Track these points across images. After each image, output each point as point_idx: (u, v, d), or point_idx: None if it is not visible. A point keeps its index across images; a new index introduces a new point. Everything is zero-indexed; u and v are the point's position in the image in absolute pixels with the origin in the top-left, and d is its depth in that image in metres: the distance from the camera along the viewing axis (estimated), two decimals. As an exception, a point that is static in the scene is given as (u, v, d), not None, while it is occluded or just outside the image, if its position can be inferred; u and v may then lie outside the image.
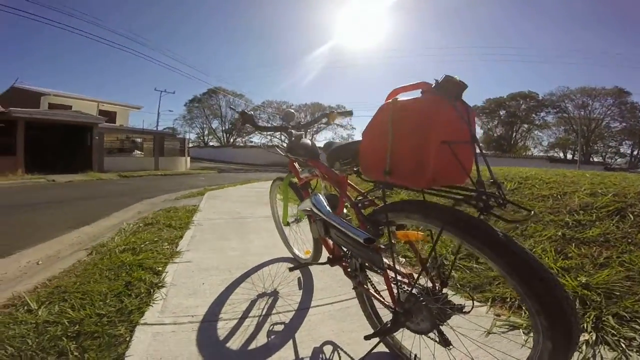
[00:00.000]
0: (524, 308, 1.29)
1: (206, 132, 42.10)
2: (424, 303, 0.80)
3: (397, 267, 0.93)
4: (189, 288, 1.64)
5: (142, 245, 2.35)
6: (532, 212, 0.64)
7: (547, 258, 1.71)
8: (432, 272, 0.86)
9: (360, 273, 1.05)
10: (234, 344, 1.15)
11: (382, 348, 1.05)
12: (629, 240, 1.64)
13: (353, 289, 1.14)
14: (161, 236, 2.69)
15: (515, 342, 1.14)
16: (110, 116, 16.59)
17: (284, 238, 2.15)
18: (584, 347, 1.09)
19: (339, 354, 1.09)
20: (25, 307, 1.40)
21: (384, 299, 0.95)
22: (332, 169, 1.15)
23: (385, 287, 0.92)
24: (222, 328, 1.25)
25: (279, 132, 1.63)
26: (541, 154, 32.25)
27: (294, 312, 1.38)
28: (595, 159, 29.95)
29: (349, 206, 1.13)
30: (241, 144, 35.91)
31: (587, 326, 1.17)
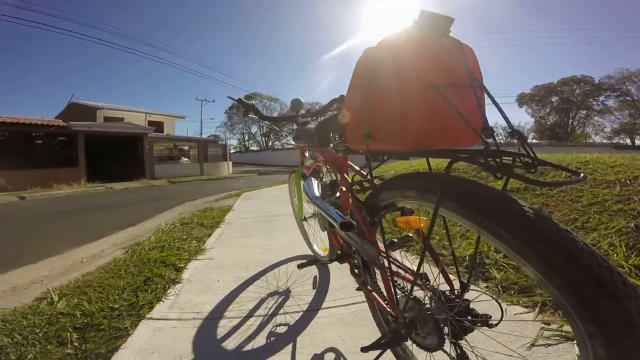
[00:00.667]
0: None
1: (246, 137, 43.93)
2: (428, 312, 0.62)
3: (406, 263, 0.77)
4: (203, 284, 1.61)
5: (171, 243, 2.41)
6: (581, 174, 0.45)
7: (615, 255, 1.40)
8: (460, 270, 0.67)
9: (363, 271, 0.89)
10: (230, 343, 1.07)
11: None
12: None
13: (357, 289, 0.98)
14: (191, 234, 2.76)
15: (566, 358, 0.90)
16: (158, 126, 17.81)
17: (304, 234, 2.04)
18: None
19: None
20: (49, 300, 1.47)
21: (387, 303, 0.78)
22: (328, 148, 1.01)
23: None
24: (224, 326, 1.18)
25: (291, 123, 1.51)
26: (604, 141, 28.60)
27: (301, 313, 1.26)
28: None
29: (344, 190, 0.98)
30: (279, 147, 36.79)
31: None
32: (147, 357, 1.01)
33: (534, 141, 30.44)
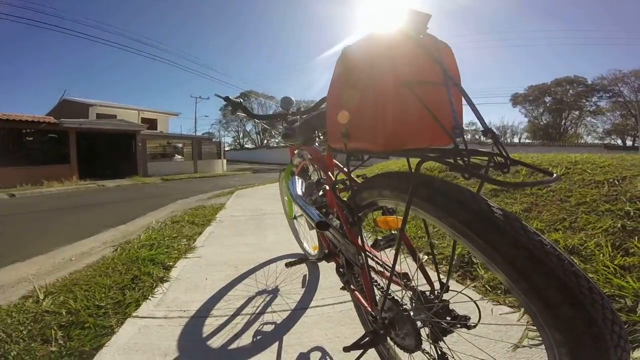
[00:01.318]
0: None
1: (241, 135, 43.72)
2: (405, 313, 0.61)
3: (390, 262, 0.76)
4: (191, 283, 1.60)
5: (161, 241, 2.39)
6: (554, 175, 0.44)
7: (602, 255, 1.41)
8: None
9: (347, 270, 0.89)
10: (216, 342, 1.06)
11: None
12: None
13: (341, 289, 0.98)
14: (182, 233, 2.73)
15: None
16: (151, 123, 17.58)
17: (294, 233, 2.04)
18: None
19: None
20: (35, 298, 1.44)
21: (367, 303, 0.78)
22: (314, 146, 1.00)
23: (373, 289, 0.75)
24: (210, 325, 1.17)
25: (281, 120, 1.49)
26: (596, 141, 29.02)
27: (289, 312, 1.26)
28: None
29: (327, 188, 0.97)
30: (274, 145, 36.67)
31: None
32: (131, 355, 1.00)
33: (527, 141, 30.75)
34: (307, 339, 1.06)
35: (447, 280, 0.60)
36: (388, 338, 0.69)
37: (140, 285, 1.56)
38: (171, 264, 1.90)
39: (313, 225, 0.71)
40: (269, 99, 35.91)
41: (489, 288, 1.40)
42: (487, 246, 0.42)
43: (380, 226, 0.70)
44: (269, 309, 1.28)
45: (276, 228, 2.74)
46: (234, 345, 1.04)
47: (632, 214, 1.58)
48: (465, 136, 0.49)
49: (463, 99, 0.50)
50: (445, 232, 1.91)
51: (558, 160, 2.48)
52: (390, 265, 0.75)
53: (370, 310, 0.74)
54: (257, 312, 1.27)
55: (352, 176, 0.75)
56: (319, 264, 1.75)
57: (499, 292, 1.35)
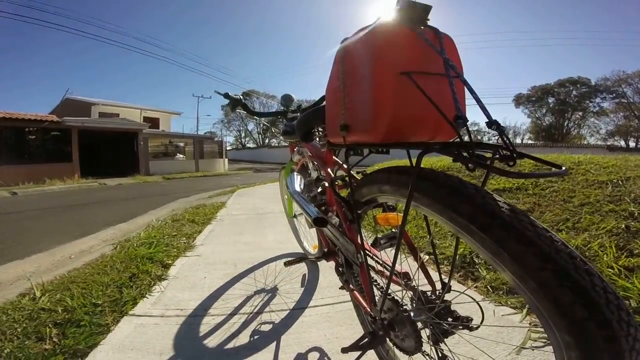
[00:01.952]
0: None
1: (243, 135, 43.74)
2: (405, 313, 0.59)
3: (393, 261, 0.74)
4: (189, 282, 1.58)
5: (161, 240, 2.38)
6: (563, 168, 0.41)
7: (606, 256, 1.39)
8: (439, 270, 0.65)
9: (346, 269, 0.87)
10: (212, 341, 1.05)
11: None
12: None
13: (340, 288, 0.96)
14: (182, 231, 2.72)
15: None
16: (153, 122, 17.62)
17: (294, 231, 2.02)
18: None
19: None
20: (32, 295, 1.43)
21: (367, 303, 0.76)
22: (313, 143, 0.98)
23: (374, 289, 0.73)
24: (206, 324, 1.15)
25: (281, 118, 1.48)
26: (599, 142, 28.83)
27: (287, 311, 1.24)
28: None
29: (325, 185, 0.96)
30: (276, 144, 36.66)
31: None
32: (125, 353, 0.99)
33: (530, 142, 30.60)
34: (305, 339, 1.04)
35: (449, 280, 0.58)
36: (387, 339, 0.67)
37: (138, 284, 1.54)
38: (170, 262, 1.89)
39: (310, 221, 0.69)
40: (270, 98, 35.90)
41: (490, 289, 1.39)
42: (492, 242, 0.39)
43: (381, 223, 0.68)
44: (267, 309, 1.26)
45: (275, 227, 2.72)
46: (230, 345, 1.02)
47: (636, 214, 1.55)
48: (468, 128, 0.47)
49: (466, 91, 0.48)
50: (447, 231, 1.90)
51: (561, 161, 2.46)
52: (390, 265, 0.73)
53: (369, 310, 0.72)
54: (255, 311, 1.25)
55: (352, 173, 0.73)
56: (318, 263, 1.74)
57: (501, 292, 1.34)
